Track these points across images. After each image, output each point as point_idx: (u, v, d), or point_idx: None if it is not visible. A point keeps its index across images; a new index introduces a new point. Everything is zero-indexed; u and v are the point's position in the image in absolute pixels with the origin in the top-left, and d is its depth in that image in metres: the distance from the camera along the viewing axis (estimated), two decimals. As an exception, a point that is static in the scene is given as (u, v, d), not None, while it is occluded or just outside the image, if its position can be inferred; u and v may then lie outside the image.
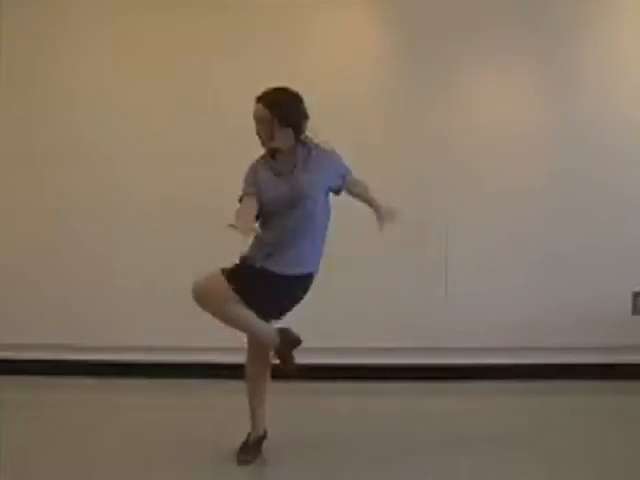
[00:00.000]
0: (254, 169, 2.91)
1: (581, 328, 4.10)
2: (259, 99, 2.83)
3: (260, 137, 2.85)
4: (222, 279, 2.72)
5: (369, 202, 3.09)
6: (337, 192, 3.02)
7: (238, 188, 2.87)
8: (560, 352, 4.13)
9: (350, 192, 3.08)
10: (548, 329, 4.12)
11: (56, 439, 3.20)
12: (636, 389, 3.98)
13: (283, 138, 2.84)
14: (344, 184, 3.01)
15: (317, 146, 2.91)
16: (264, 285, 2.79)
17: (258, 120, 2.81)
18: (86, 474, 2.85)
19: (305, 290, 2.92)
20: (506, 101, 4.14)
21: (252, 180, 2.89)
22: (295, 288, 2.88)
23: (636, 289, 4.17)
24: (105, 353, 4.13)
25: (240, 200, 2.86)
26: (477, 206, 4.12)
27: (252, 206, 2.81)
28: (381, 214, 3.05)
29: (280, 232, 2.83)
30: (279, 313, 2.90)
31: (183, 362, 4.10)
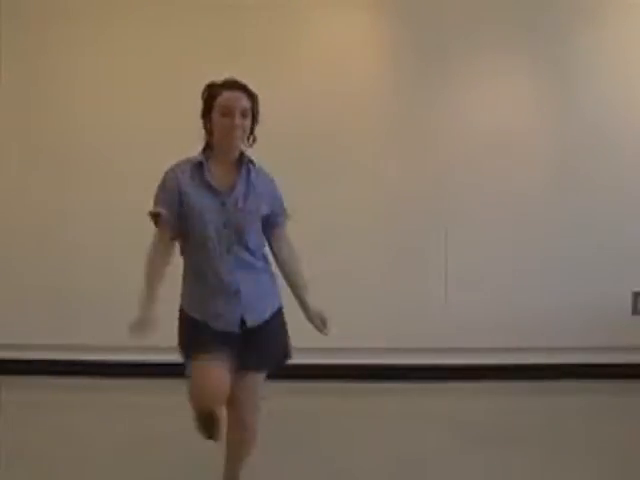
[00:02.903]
0: (173, 180, 2.35)
1: (581, 328, 4.10)
2: (243, 87, 2.35)
3: (233, 134, 2.30)
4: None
5: (295, 288, 2.48)
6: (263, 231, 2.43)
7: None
8: (560, 352, 4.13)
9: (272, 249, 2.47)
10: (548, 329, 4.11)
11: (56, 439, 3.20)
12: (636, 389, 3.98)
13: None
14: (274, 226, 2.44)
15: (257, 166, 2.41)
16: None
17: (242, 112, 2.30)
18: (86, 474, 2.85)
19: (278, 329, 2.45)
20: (506, 102, 4.13)
21: (170, 196, 2.34)
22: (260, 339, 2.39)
23: (636, 289, 4.16)
24: (105, 353, 4.13)
25: (154, 220, 2.38)
26: (477, 206, 4.12)
27: (168, 252, 2.41)
28: (310, 316, 2.49)
29: (216, 272, 2.34)
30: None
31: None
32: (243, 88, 2.36)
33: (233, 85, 2.35)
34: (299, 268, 2.52)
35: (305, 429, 3.34)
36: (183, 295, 2.57)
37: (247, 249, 2.36)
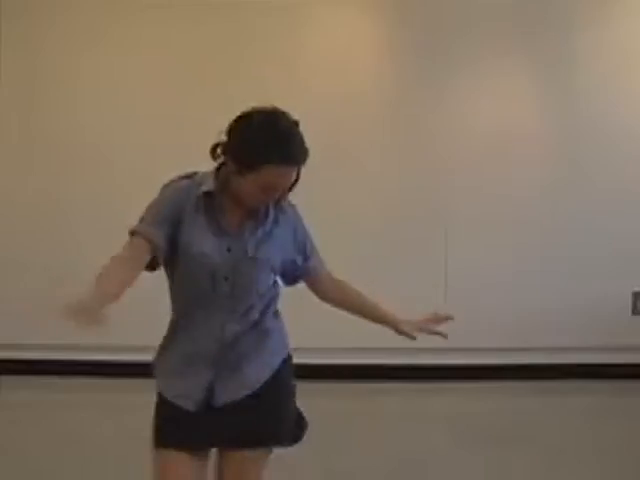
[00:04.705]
0: (178, 200, 1.90)
1: (581, 328, 4.10)
2: (299, 161, 1.87)
3: (261, 204, 1.89)
4: None
5: (371, 313, 2.24)
6: (288, 281, 2.11)
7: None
8: (560, 352, 4.13)
9: (321, 297, 2.16)
10: (548, 329, 4.11)
11: (56, 439, 3.20)
12: (636, 389, 3.98)
13: None
14: (304, 270, 2.10)
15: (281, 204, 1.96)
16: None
17: (284, 189, 1.88)
18: (86, 474, 2.85)
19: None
20: (507, 103, 4.13)
21: (164, 216, 1.89)
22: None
23: (636, 289, 4.16)
24: (106, 353, 4.13)
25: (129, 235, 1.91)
26: (477, 206, 4.12)
27: (136, 263, 1.87)
28: (404, 329, 2.20)
29: (211, 331, 1.92)
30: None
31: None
32: (300, 160, 1.86)
33: (290, 158, 1.82)
34: (358, 293, 2.21)
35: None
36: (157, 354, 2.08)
37: (251, 308, 1.95)
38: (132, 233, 1.94)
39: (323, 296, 2.19)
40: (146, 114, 4.08)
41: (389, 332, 4.14)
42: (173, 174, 4.07)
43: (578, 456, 3.06)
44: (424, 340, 4.23)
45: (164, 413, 2.01)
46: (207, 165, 4.09)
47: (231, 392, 1.97)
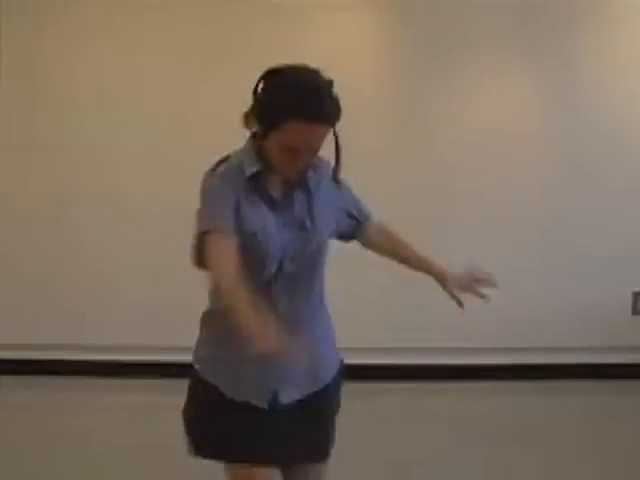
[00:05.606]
0: (226, 190, 1.67)
1: (581, 328, 4.10)
2: (328, 117, 1.63)
3: (292, 171, 1.68)
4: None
5: (409, 257, 2.07)
6: (346, 237, 1.99)
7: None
8: (560, 352, 4.13)
9: (366, 240, 2.03)
10: (548, 329, 4.11)
11: (56, 439, 3.20)
12: (636, 389, 3.98)
13: None
14: (356, 222, 1.98)
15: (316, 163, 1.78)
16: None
17: (311, 152, 1.68)
18: (86, 474, 2.85)
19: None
20: (507, 103, 4.13)
21: (227, 210, 1.65)
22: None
23: (636, 289, 4.17)
24: (105, 353, 4.13)
25: (198, 243, 1.65)
26: (477, 206, 4.12)
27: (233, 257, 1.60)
28: (446, 281, 2.04)
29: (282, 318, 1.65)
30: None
31: (185, 362, 4.09)
32: (326, 118, 1.62)
33: (313, 115, 1.59)
34: (405, 243, 2.06)
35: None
36: (201, 350, 1.87)
37: (313, 289, 1.79)
38: (204, 233, 1.64)
39: (368, 242, 2.02)
40: (146, 114, 4.08)
41: (389, 332, 4.16)
42: (173, 174, 4.13)
43: (578, 456, 3.05)
44: (424, 340, 4.26)
45: (226, 418, 1.77)
46: (207, 165, 4.09)
47: (303, 385, 1.77)
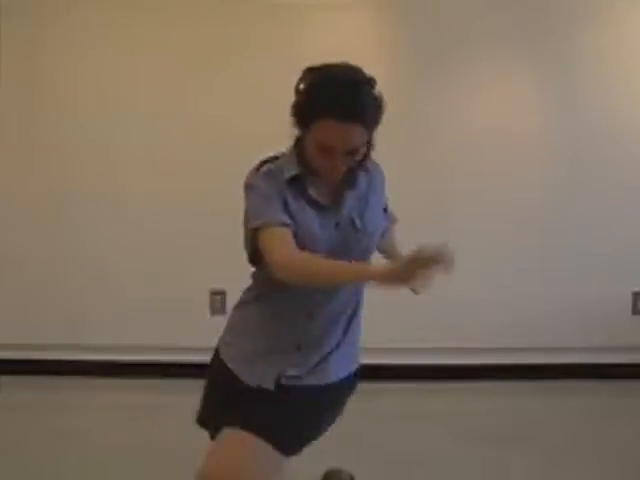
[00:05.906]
0: (273, 185, 1.66)
1: (581, 328, 4.11)
2: (360, 115, 1.62)
3: (332, 175, 1.65)
4: (235, 440, 1.67)
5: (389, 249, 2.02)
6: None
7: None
8: (560, 352, 4.13)
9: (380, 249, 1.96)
10: (548, 329, 4.12)
11: (56, 439, 3.20)
12: (636, 389, 3.98)
13: None
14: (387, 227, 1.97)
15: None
16: (282, 408, 1.78)
17: (348, 153, 1.64)
18: (86, 474, 2.85)
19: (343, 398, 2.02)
20: (507, 103, 4.13)
21: (276, 203, 1.64)
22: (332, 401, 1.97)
23: (636, 289, 4.17)
24: (105, 353, 4.13)
25: (251, 241, 1.67)
26: (477, 206, 4.12)
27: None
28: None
29: (315, 316, 1.74)
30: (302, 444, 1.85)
31: (185, 362, 4.10)
32: (360, 117, 1.60)
33: (343, 113, 1.56)
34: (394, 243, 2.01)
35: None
36: (230, 337, 1.91)
37: (358, 291, 1.79)
38: (256, 229, 1.64)
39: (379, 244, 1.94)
40: (146, 114, 4.08)
41: (389, 332, 4.16)
42: (173, 174, 4.13)
43: (578, 456, 3.05)
44: (424, 340, 4.26)
45: (234, 389, 1.80)
46: (207, 165, 4.09)
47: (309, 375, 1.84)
